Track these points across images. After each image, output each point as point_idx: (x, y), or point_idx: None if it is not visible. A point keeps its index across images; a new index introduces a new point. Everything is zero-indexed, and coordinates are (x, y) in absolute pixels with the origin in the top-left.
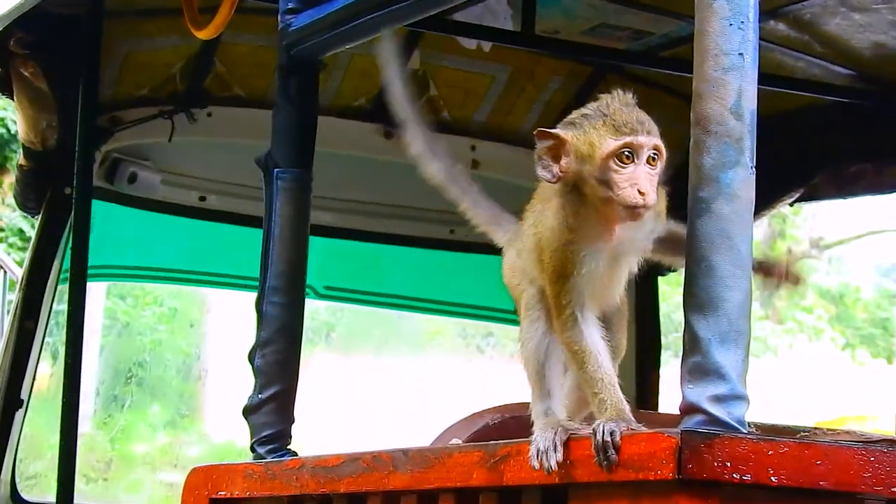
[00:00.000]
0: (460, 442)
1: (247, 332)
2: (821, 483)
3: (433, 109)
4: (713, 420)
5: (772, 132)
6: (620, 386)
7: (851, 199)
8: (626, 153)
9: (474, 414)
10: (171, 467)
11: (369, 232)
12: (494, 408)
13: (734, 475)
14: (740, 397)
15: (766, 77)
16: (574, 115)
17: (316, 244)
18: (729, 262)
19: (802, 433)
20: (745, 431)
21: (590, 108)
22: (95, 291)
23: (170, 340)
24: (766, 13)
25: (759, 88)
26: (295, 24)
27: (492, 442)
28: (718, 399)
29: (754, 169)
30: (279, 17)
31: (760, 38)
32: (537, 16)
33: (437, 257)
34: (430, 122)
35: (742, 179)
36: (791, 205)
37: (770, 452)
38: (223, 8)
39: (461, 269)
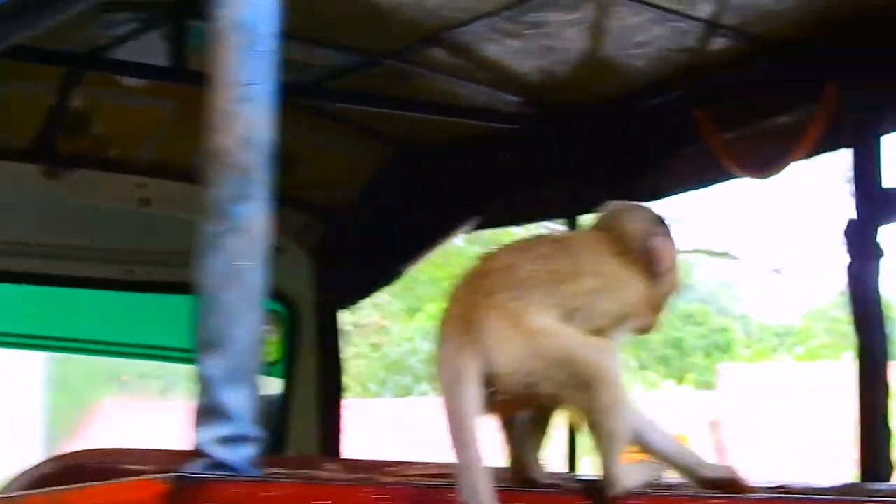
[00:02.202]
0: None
1: None
2: None
3: (97, 148)
4: (218, 463)
5: (444, 161)
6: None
7: (524, 225)
8: None
9: (39, 463)
10: None
11: (40, 274)
12: (56, 457)
13: None
14: (248, 438)
15: (431, 106)
16: None
17: None
18: (239, 298)
19: (390, 468)
20: (254, 473)
21: None
22: None
23: None
24: (423, 41)
25: (427, 118)
26: None
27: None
28: (225, 441)
29: (268, 202)
30: None
31: (422, 67)
32: (198, 49)
33: (117, 298)
34: (95, 161)
35: (254, 213)
36: (468, 233)
37: (267, 494)
38: None
39: (141, 310)
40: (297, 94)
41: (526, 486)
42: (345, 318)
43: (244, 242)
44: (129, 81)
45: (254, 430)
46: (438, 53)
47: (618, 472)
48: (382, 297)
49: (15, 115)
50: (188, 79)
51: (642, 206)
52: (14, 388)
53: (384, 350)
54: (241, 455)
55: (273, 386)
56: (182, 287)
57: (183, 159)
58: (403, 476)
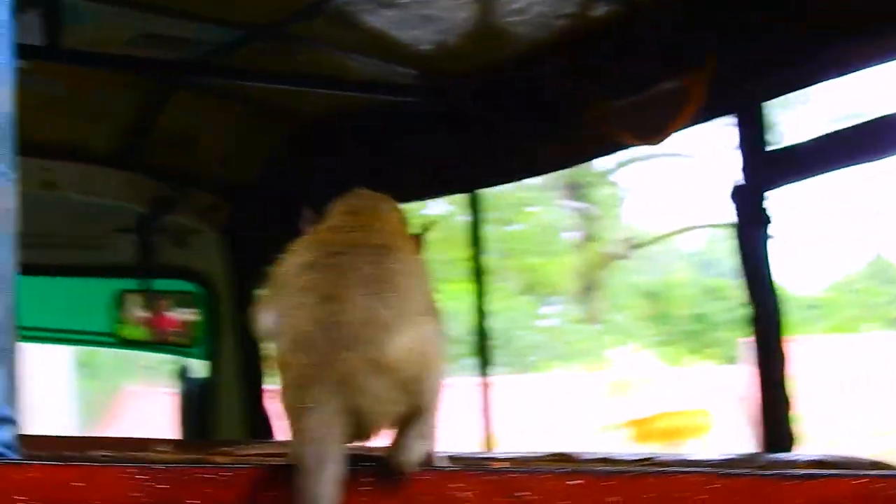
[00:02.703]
0: None
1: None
2: None
3: None
4: None
5: (345, 135)
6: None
7: (441, 199)
8: None
9: None
10: None
11: None
12: None
13: None
14: (3, 419)
15: (321, 80)
16: None
17: None
18: None
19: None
20: (9, 455)
21: None
22: None
23: None
24: (301, 12)
25: (322, 93)
26: None
27: None
28: None
29: (10, 177)
30: None
31: (307, 40)
32: (74, 28)
33: (31, 283)
34: None
35: None
36: None
37: (20, 477)
38: None
39: (55, 294)
40: (182, 72)
41: None
42: None
43: None
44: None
45: (9, 411)
46: (320, 24)
47: (421, 447)
48: None
49: None
50: (64, 58)
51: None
52: (45, 374)
53: None
54: None
55: (198, 369)
56: (98, 270)
57: (85, 141)
58: (240, 456)
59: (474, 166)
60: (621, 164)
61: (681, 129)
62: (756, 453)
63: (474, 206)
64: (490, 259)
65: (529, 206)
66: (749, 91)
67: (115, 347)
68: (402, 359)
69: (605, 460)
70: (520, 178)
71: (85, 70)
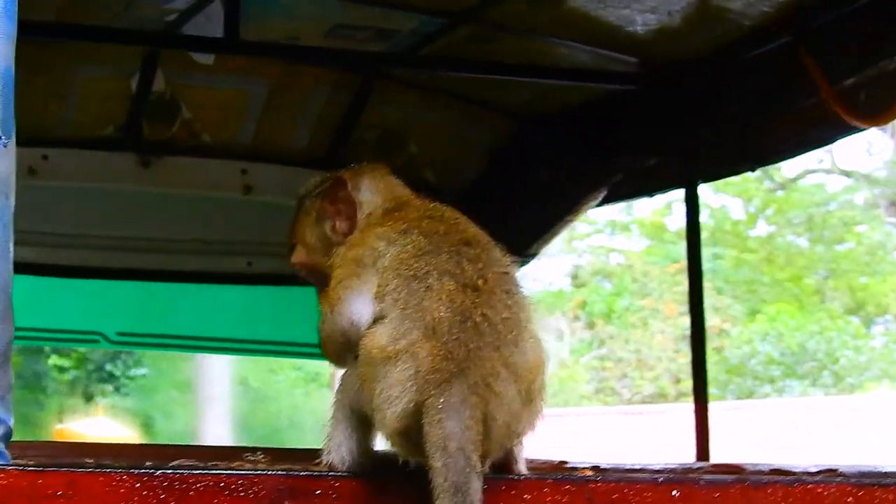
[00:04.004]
0: None
1: None
2: None
3: (191, 133)
4: None
5: (563, 129)
6: None
7: (657, 195)
8: None
9: None
10: None
11: (158, 271)
12: None
13: None
14: None
15: (532, 69)
16: None
17: (104, 288)
18: None
19: None
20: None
21: None
22: (215, 357)
23: (306, 404)
24: None
25: (531, 82)
26: None
27: None
28: None
29: (9, 141)
30: None
31: (511, 26)
32: (269, 23)
33: (237, 292)
34: (190, 147)
35: None
36: (599, 205)
37: None
38: None
39: (263, 304)
40: (386, 63)
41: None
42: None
43: None
44: (200, 58)
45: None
46: (520, 7)
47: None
48: (724, 300)
49: (92, 103)
50: (244, 49)
51: None
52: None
53: (724, 353)
54: None
55: None
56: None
57: (283, 142)
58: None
59: (699, 158)
60: None
61: None
62: None
63: (693, 201)
64: (817, 279)
65: (858, 224)
66: None
67: (320, 359)
68: (533, 367)
69: (777, 471)
70: (745, 171)
71: (283, 67)
